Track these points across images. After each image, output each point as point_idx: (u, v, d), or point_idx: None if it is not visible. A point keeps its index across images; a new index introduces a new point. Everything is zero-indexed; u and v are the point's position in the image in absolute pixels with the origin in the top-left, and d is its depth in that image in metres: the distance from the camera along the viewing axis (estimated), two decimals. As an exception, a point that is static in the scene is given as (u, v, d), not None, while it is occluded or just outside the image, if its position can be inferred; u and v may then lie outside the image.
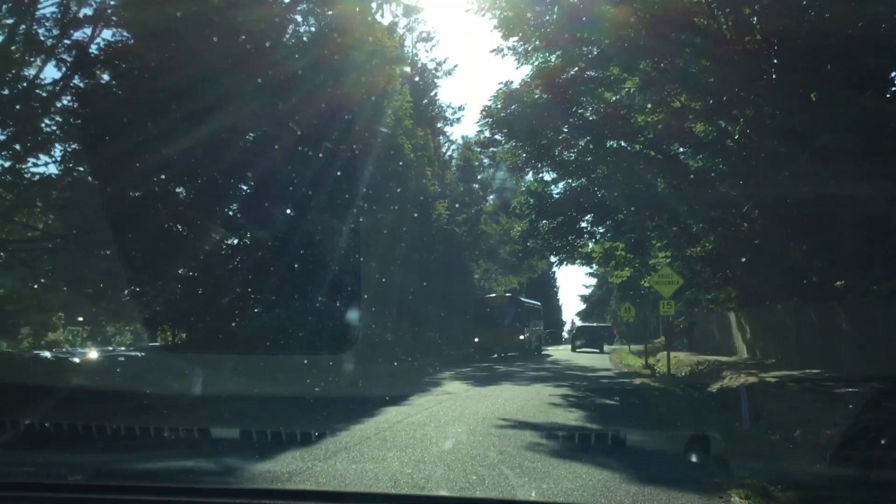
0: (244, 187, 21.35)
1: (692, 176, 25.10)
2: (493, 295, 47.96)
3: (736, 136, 24.12)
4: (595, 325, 65.05)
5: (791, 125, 19.99)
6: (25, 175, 18.97)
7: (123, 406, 13.53)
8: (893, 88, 20.88)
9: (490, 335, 40.52)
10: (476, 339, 41.95)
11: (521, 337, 41.82)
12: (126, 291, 20.78)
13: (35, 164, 19.11)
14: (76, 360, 21.85)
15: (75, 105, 18.90)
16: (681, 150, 27.48)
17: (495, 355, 39.93)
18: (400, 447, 10.20)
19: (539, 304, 54.92)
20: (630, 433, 12.08)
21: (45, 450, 10.22)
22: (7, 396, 12.79)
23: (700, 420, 12.79)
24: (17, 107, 17.79)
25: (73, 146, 19.12)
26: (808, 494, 7.07)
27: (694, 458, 9.28)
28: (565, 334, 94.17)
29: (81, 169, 19.52)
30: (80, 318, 35.93)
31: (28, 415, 11.47)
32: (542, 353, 48.35)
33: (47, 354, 24.33)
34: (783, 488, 7.30)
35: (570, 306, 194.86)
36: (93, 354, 25.98)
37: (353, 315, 21.78)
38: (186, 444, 10.30)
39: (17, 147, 18.23)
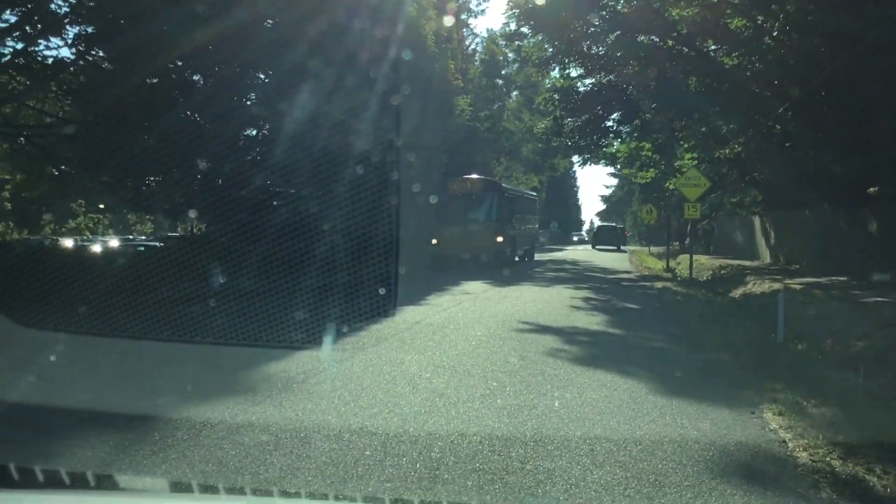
0: (262, 76, 20.76)
1: (725, 75, 24.15)
2: (463, 177, 31.91)
3: (774, 34, 23.09)
4: (614, 225, 68.17)
5: (833, 22, 18.98)
6: (38, 59, 18.45)
7: (140, 298, 13.36)
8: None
9: (453, 234, 28.85)
10: (433, 241, 29.32)
11: (500, 238, 29.51)
12: (145, 181, 20.52)
13: (47, 48, 18.58)
14: (97, 248, 21.82)
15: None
16: (713, 47, 26.43)
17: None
18: (418, 350, 10.04)
19: (533, 193, 43.80)
20: (654, 340, 11.90)
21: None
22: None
23: (726, 328, 12.49)
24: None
25: (87, 29, 18.50)
26: (843, 412, 6.79)
27: (721, 369, 9.09)
28: (584, 234, 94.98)
29: (95, 54, 18.95)
30: (101, 206, 36.06)
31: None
32: (535, 259, 37.13)
33: (68, 242, 24.37)
34: (817, 404, 7.03)
35: (589, 206, 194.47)
36: (113, 243, 26.07)
37: (372, 211, 21.43)
38: (201, 339, 10.16)
39: (28, 29, 17.63)
